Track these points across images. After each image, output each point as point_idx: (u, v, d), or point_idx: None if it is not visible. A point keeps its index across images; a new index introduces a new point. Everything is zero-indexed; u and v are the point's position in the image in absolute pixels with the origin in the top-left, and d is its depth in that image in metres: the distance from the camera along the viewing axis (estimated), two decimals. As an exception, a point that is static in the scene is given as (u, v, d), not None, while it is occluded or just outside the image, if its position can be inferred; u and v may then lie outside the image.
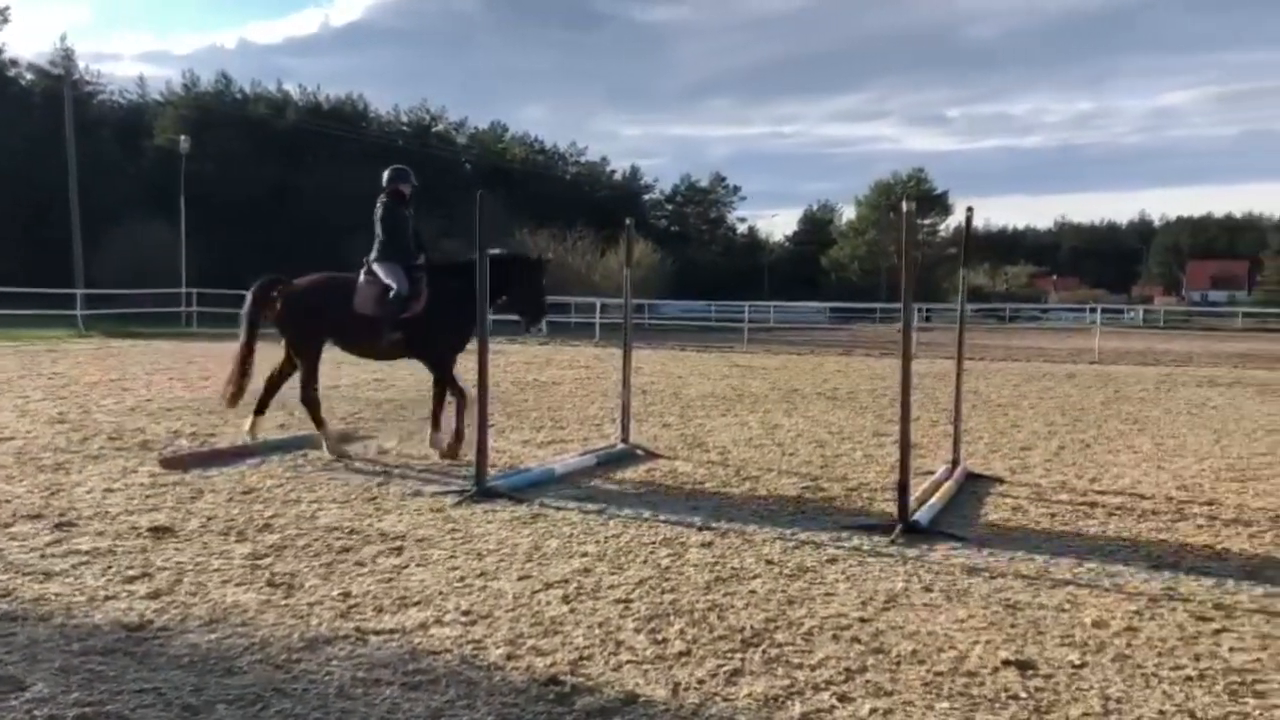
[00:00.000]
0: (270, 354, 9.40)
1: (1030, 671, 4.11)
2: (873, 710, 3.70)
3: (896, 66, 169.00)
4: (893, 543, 6.16)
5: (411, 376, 13.48)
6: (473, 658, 4.16)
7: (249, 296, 9.32)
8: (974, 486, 8.09)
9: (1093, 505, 7.50)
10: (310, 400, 8.98)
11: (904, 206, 6.79)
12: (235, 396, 9.30)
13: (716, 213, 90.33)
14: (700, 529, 6.46)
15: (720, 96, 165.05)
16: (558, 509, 6.96)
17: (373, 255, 9.10)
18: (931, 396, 14.26)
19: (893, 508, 6.60)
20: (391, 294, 8.82)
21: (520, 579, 5.27)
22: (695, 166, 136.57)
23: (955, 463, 8.60)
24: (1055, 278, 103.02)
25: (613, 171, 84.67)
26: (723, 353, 26.53)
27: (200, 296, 35.40)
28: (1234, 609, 4.99)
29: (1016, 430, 11.60)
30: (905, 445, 6.51)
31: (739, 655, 4.23)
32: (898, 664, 4.17)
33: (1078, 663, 4.22)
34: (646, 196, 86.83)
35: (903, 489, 6.46)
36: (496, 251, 8.64)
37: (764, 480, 8.21)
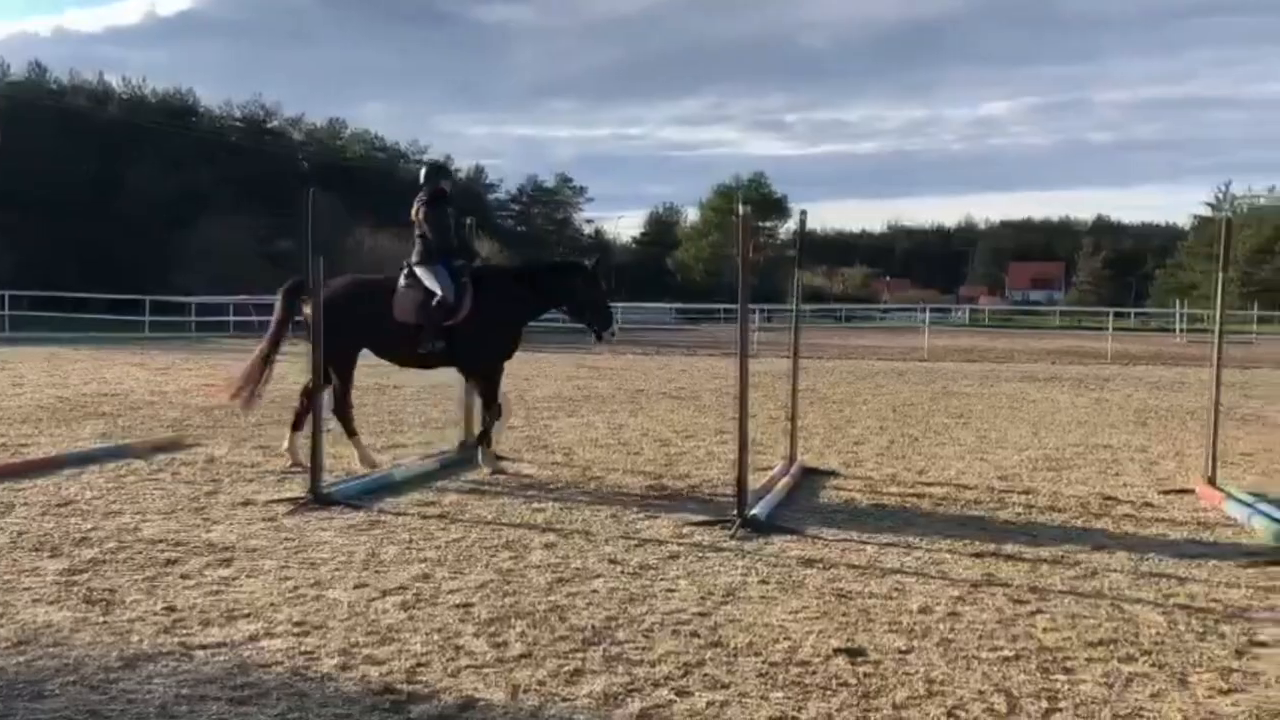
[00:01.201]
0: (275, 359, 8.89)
1: (860, 658, 4.25)
2: (709, 703, 3.76)
3: (736, 72, 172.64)
4: (732, 538, 6.27)
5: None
6: (304, 669, 4.03)
7: (278, 298, 8.81)
8: (810, 481, 8.33)
9: (920, 496, 7.82)
10: (343, 411, 8.59)
11: (738, 210, 6.93)
12: (250, 400, 8.80)
13: (563, 213, 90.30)
14: (543, 530, 6.44)
15: (564, 98, 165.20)
16: (397, 514, 6.82)
17: (414, 258, 8.65)
18: (771, 394, 14.59)
19: (733, 504, 6.72)
20: (435, 300, 8.32)
21: (356, 587, 5.14)
22: (541, 167, 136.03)
23: (792, 458, 8.84)
24: (889, 279, 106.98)
25: (456, 170, 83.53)
26: (571, 354, 26.55)
27: (12, 299, 33.12)
28: (1047, 591, 5.28)
29: (850, 426, 12.00)
30: (743, 442, 6.65)
31: (580, 655, 4.24)
32: (734, 656, 4.25)
33: (904, 648, 4.39)
34: (492, 196, 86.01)
35: (741, 485, 6.60)
36: (555, 260, 8.57)
37: (608, 480, 8.25)
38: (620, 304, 47.22)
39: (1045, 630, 4.66)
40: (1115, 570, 5.73)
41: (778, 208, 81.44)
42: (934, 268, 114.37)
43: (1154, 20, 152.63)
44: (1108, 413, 13.94)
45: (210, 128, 61.78)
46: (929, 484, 8.33)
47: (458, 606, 4.85)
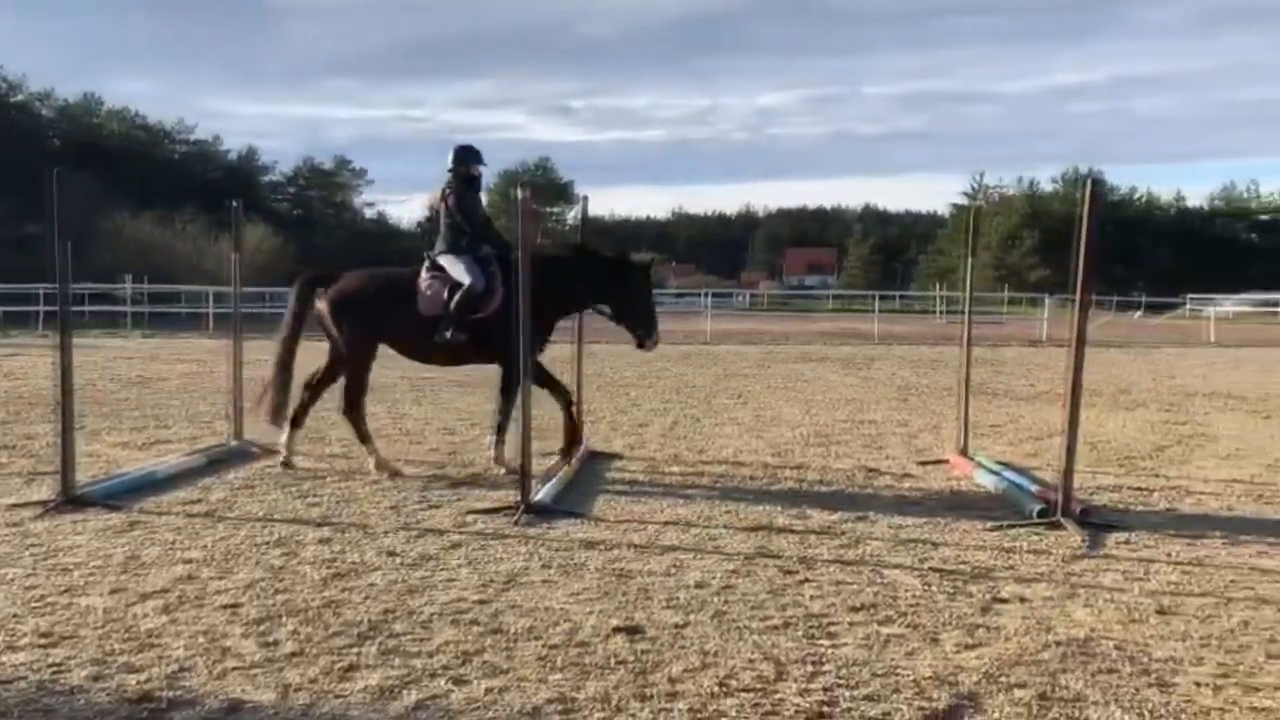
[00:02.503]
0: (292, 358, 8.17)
1: (638, 635, 4.34)
2: (487, 690, 3.75)
3: (522, 56, 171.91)
4: (515, 524, 6.26)
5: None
6: (52, 683, 3.75)
7: (292, 293, 8.03)
8: (595, 464, 8.42)
9: (700, 474, 8.05)
10: (355, 413, 7.92)
11: (518, 194, 6.90)
12: (278, 410, 8.00)
13: (342, 196, 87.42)
14: (318, 525, 6.23)
15: (342, 77, 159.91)
16: (159, 514, 6.44)
17: (438, 248, 8.01)
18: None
19: (517, 490, 6.70)
20: (462, 290, 7.77)
21: (113, 592, 4.83)
22: (318, 148, 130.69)
23: (578, 441, 8.89)
24: (674, 265, 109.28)
25: (227, 151, 79.40)
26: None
27: None
28: (815, 561, 5.55)
29: (636, 409, 12.21)
30: (526, 428, 6.65)
31: (354, 650, 4.13)
32: (514, 642, 4.25)
33: (680, 623, 4.51)
34: (266, 178, 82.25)
35: (524, 471, 6.59)
36: (607, 254, 8.07)
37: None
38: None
39: (812, 598, 4.89)
40: (877, 538, 6.07)
41: (563, 193, 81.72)
42: (716, 254, 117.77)
43: (915, 17, 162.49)
44: (873, 390, 14.75)
45: (-58, 100, 56.40)
46: (709, 462, 8.58)
47: (225, 607, 4.64)
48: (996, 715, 3.61)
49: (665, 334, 8.70)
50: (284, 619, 4.48)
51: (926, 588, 5.09)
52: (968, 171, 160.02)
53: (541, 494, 6.81)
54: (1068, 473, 6.37)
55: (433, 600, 4.79)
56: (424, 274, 8.03)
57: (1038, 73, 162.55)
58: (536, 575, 5.21)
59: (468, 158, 8.24)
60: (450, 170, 8.21)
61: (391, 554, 5.60)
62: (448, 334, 7.76)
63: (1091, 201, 6.31)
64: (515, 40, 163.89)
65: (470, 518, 6.46)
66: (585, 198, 9.44)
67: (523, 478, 6.58)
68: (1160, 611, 4.75)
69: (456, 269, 7.89)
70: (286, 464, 7.97)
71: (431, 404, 12.50)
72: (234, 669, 3.92)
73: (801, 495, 7.31)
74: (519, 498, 6.55)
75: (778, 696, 3.73)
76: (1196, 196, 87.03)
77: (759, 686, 3.82)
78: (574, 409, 8.26)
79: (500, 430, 8.06)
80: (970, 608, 4.79)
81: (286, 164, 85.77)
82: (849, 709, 3.64)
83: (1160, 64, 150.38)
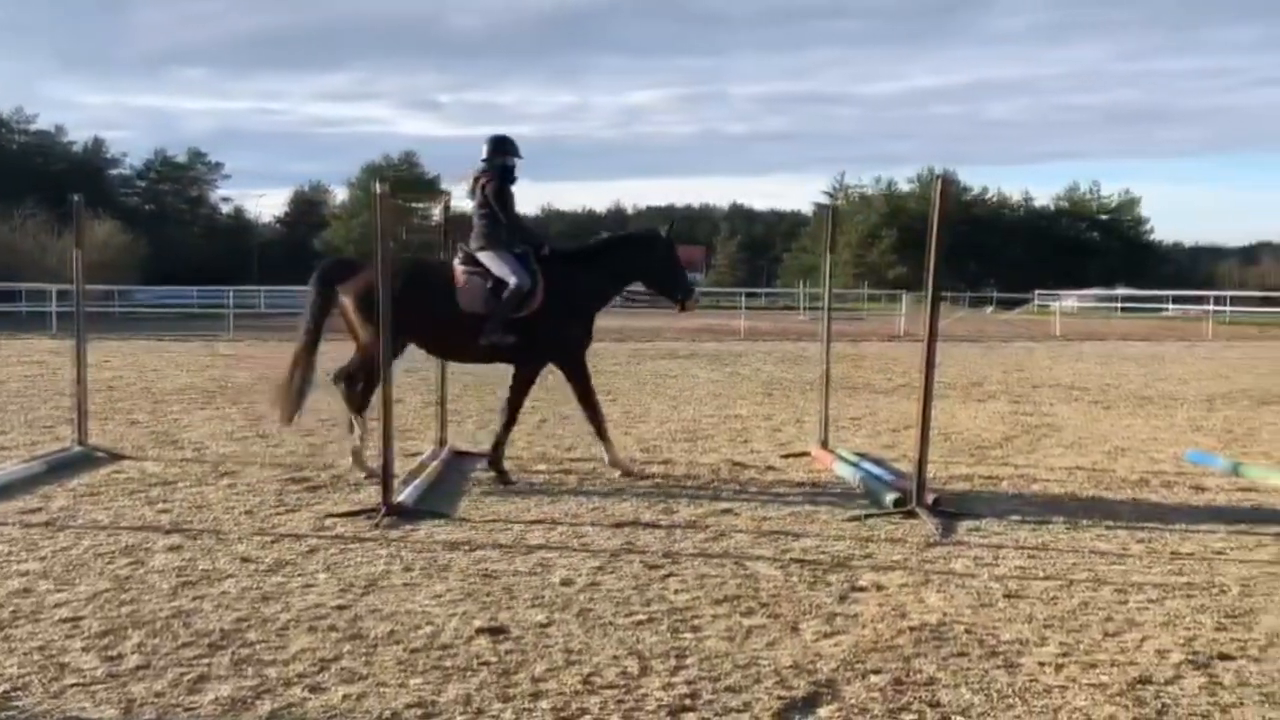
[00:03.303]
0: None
1: (502, 636, 4.29)
2: (345, 696, 3.65)
3: (386, 49, 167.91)
4: (376, 527, 6.13)
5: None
6: None
7: (313, 282, 7.41)
8: (461, 464, 8.31)
9: (568, 473, 8.02)
10: (360, 411, 7.55)
11: (375, 188, 6.76)
12: (292, 412, 7.49)
13: (197, 191, 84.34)
14: (168, 532, 5.98)
15: (196, 66, 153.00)
16: (-7, 525, 6.08)
17: (477, 242, 7.56)
18: (425, 379, 14.42)
19: (379, 492, 6.56)
20: (510, 289, 7.46)
21: (-62, 610, 4.53)
22: (171, 141, 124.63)
23: (442, 442, 8.78)
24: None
25: (71, 143, 75.68)
26: (206, 342, 24.88)
27: None
28: (679, 555, 5.59)
29: (502, 407, 12.09)
30: (388, 427, 6.51)
31: (205, 661, 3.98)
32: (374, 647, 4.15)
33: (545, 621, 4.48)
34: (114, 171, 78.85)
35: (386, 472, 6.46)
36: (628, 233, 7.92)
37: (245, 474, 7.80)
38: (262, 288, 44.95)
39: (677, 592, 4.93)
40: (741, 531, 6.16)
41: (430, 188, 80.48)
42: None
43: (778, 19, 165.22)
44: (739, 386, 14.98)
45: None
46: (576, 460, 8.57)
47: (64, 621, 4.40)
48: (853, 702, 3.70)
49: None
50: (129, 631, 4.28)
51: (788, 578, 5.19)
52: (830, 171, 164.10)
53: (404, 495, 6.69)
54: (921, 463, 6.59)
55: (289, 607, 4.64)
56: (460, 268, 7.75)
57: (896, 76, 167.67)
58: (398, 578, 5.11)
59: (504, 149, 7.97)
60: (485, 161, 7.93)
61: (246, 560, 5.41)
62: (494, 336, 7.52)
63: (942, 199, 6.53)
64: (380, 32, 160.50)
65: (330, 521, 6.29)
66: (449, 193, 9.31)
67: (384, 478, 6.44)
68: (1008, 595, 4.95)
69: (500, 266, 7.61)
70: (368, 473, 7.51)
71: (291, 405, 12.11)
72: (73, 686, 3.72)
73: (668, 490, 7.36)
74: (380, 500, 6.41)
75: (641, 692, 3.75)
76: (1044, 196, 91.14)
77: (623, 682, 3.83)
78: (599, 419, 8.02)
79: (603, 436, 7.92)
80: (829, 597, 4.90)
81: (137, 157, 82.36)
82: (711, 701, 3.68)
83: (1011, 70, 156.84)
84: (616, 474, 7.77)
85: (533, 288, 7.60)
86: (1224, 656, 4.17)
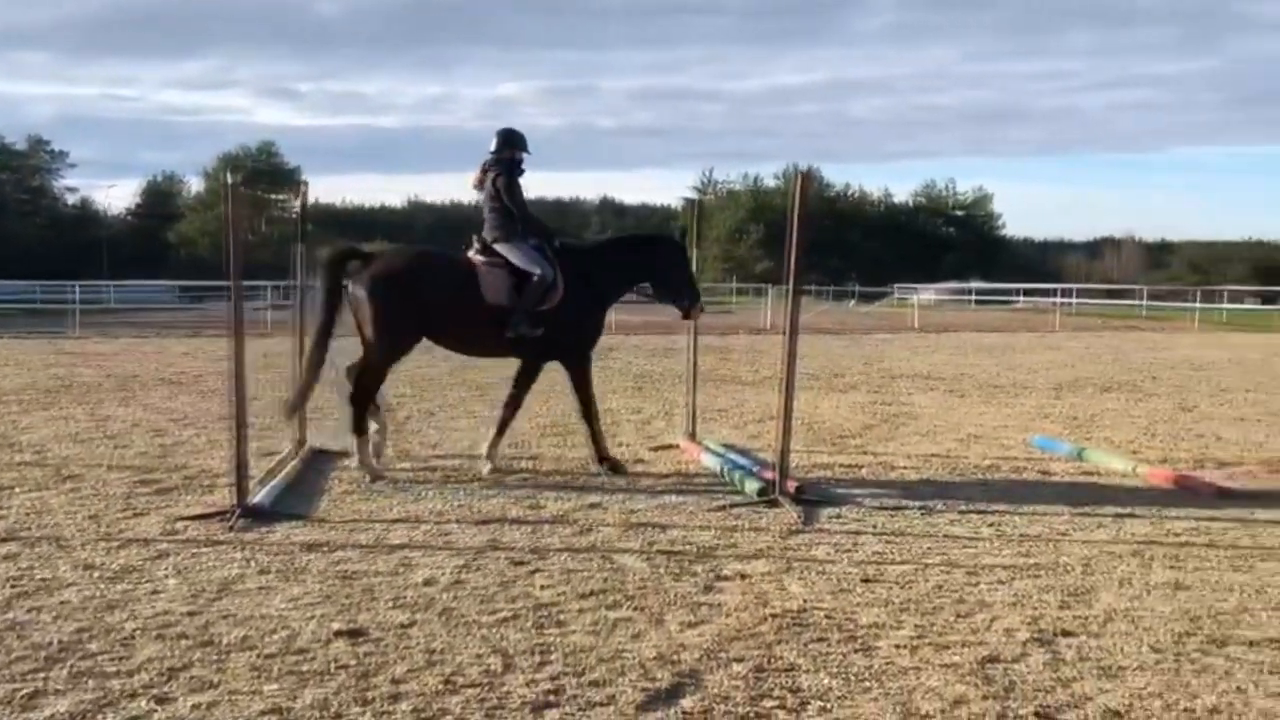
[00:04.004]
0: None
1: (361, 638, 4.19)
2: (194, 706, 3.51)
3: (243, 36, 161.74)
4: (230, 529, 5.92)
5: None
6: None
7: (323, 271, 6.87)
8: (320, 463, 8.08)
9: (432, 470, 7.90)
10: (362, 405, 7.08)
11: (226, 179, 6.52)
12: (296, 406, 7.13)
13: (39, 181, 79.94)
14: (3, 540, 5.64)
15: (37, 50, 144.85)
16: None
17: (493, 233, 7.36)
18: (284, 375, 14.00)
19: (233, 493, 6.32)
20: (534, 280, 7.37)
21: None
22: (10, 128, 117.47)
23: (302, 441, 8.53)
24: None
25: (-98, 130, 70.86)
26: (49, 339, 23.62)
27: None
28: (546, 550, 5.56)
29: (366, 404, 11.82)
30: (241, 426, 6.29)
31: (41, 675, 3.77)
32: (226, 654, 4.00)
33: (406, 622, 4.39)
34: (-56, 160, 74.11)
35: (239, 472, 6.23)
36: (641, 233, 7.35)
37: (90, 477, 7.42)
38: (111, 283, 42.95)
39: (542, 588, 4.90)
40: (608, 524, 6.17)
41: (290, 179, 78.15)
42: (456, 244, 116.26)
43: (648, 14, 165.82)
44: (609, 379, 14.97)
45: None
46: (441, 457, 8.43)
47: (-118, 640, 4.11)
48: (715, 691, 3.74)
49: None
50: (-44, 648, 4.02)
51: (654, 570, 5.21)
52: (696, 167, 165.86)
53: (260, 496, 6.47)
54: (784, 453, 6.71)
55: (135, 615, 4.43)
56: (479, 259, 7.62)
57: (761, 74, 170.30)
58: (252, 582, 4.94)
59: (514, 142, 7.91)
60: (494, 154, 7.87)
61: (89, 568, 5.15)
62: (523, 328, 7.41)
63: (802, 194, 6.66)
64: (235, 18, 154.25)
65: (180, 524, 6.04)
66: (305, 183, 9.03)
67: (238, 479, 6.22)
68: (865, 580, 5.08)
69: (520, 258, 7.55)
70: (373, 475, 7.31)
71: (140, 404, 11.63)
72: (-109, 709, 3.48)
73: (536, 486, 7.31)
74: (234, 501, 6.18)
75: (504, 689, 3.71)
76: (902, 193, 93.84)
77: (485, 681, 3.78)
78: (596, 424, 7.98)
79: (594, 434, 7.86)
80: (694, 587, 4.94)
81: (-32, 144, 77.49)
82: (574, 696, 3.66)
83: (870, 69, 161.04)
84: (599, 468, 7.71)
85: (555, 279, 7.57)
86: (1066, 633, 4.37)
